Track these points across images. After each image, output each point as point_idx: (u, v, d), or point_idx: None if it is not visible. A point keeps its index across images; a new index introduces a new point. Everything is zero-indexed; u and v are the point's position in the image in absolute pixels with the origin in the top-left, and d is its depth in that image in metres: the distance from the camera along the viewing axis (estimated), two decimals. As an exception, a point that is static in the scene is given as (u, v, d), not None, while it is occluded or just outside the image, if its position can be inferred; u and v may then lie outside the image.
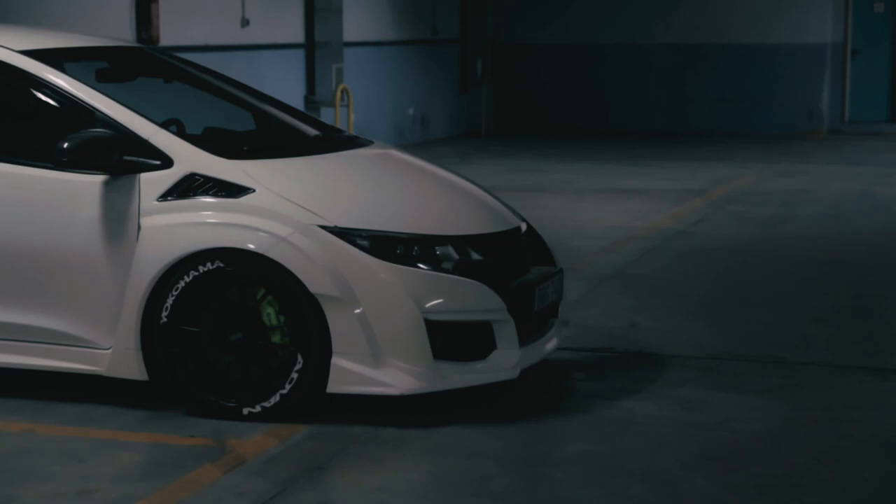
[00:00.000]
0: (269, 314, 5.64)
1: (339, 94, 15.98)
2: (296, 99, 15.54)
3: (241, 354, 5.69)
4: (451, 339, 5.67)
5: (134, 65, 7.13)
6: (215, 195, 5.75)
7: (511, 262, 6.06)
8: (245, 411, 5.64)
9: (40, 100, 6.13)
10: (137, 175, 5.81)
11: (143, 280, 5.68)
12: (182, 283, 5.65)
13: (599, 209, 12.70)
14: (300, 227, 5.62)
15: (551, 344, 6.23)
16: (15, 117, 6.50)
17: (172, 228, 5.71)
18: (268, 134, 6.99)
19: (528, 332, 5.99)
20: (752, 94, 21.08)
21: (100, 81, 6.68)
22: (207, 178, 5.78)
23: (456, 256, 5.79)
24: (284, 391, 5.59)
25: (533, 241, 6.45)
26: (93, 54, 6.87)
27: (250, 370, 5.69)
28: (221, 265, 5.64)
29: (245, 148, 6.18)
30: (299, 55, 16.20)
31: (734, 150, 18.43)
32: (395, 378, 5.57)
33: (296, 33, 16.13)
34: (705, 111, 21.28)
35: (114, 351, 5.78)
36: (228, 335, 5.69)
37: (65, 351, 5.87)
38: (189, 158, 5.82)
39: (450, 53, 20.47)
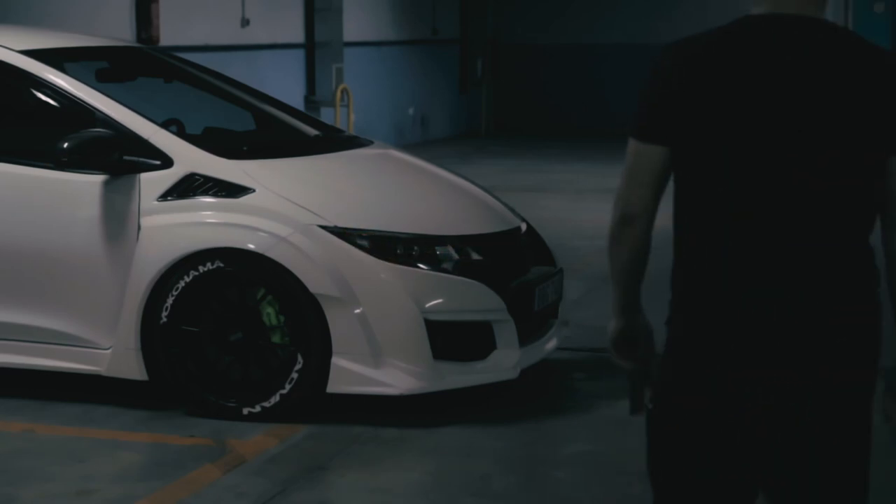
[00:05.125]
0: (269, 314, 5.64)
1: (339, 94, 15.98)
2: (296, 99, 15.53)
3: (241, 354, 5.69)
4: (450, 339, 5.67)
5: (134, 65, 7.13)
6: (215, 195, 5.75)
7: (511, 262, 6.06)
8: (245, 411, 5.64)
9: (40, 100, 6.13)
10: (137, 175, 5.81)
11: (143, 280, 5.68)
12: (182, 283, 5.65)
13: (599, 209, 12.66)
14: (300, 227, 5.62)
15: (551, 344, 6.23)
16: (15, 117, 6.51)
17: (172, 228, 5.71)
18: (268, 134, 7.00)
19: (528, 332, 5.99)
20: (752, 94, 21.05)
21: (100, 81, 6.68)
22: (207, 178, 5.78)
23: (456, 256, 5.79)
24: (284, 391, 5.59)
25: (533, 241, 6.45)
26: (93, 54, 6.87)
27: (250, 370, 5.69)
28: (221, 265, 5.64)
29: (245, 148, 6.18)
30: (299, 55, 16.20)
31: (734, 150, 18.40)
32: (395, 378, 5.57)
33: (296, 33, 16.13)
34: (705, 111, 21.25)
35: (114, 351, 5.77)
36: (228, 335, 5.69)
37: (65, 351, 5.86)
38: (189, 158, 5.82)
39: (450, 53, 20.47)
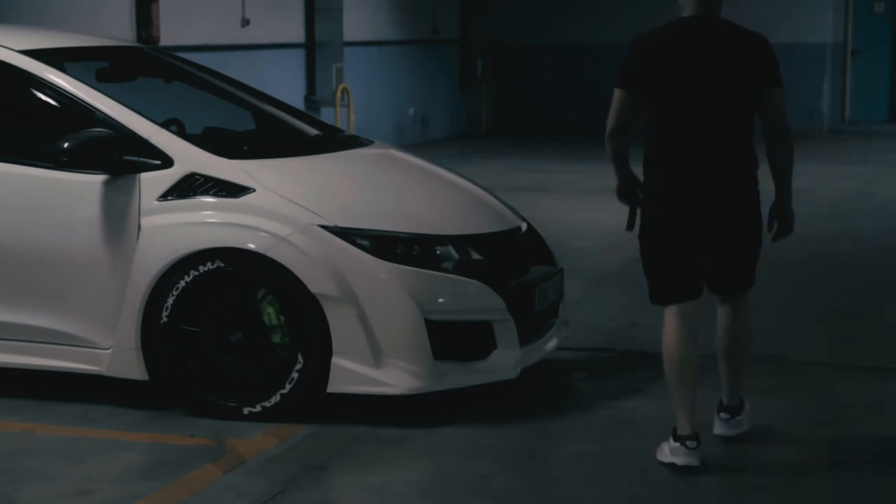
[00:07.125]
0: (270, 314, 5.64)
1: (339, 93, 15.98)
2: (296, 99, 15.54)
3: (241, 354, 5.69)
4: (451, 339, 5.67)
5: (134, 65, 7.13)
6: (215, 195, 5.76)
7: (511, 262, 6.06)
8: (245, 411, 5.64)
9: (40, 100, 6.13)
10: (137, 175, 5.81)
11: (143, 280, 5.68)
12: (182, 283, 5.65)
13: (599, 209, 12.67)
14: (300, 226, 5.62)
15: (551, 344, 6.23)
16: (15, 117, 6.50)
17: (172, 228, 5.71)
18: (268, 134, 7.00)
19: (529, 332, 5.99)
20: (752, 94, 21.04)
21: (100, 81, 6.68)
22: (207, 178, 5.78)
23: (456, 256, 5.79)
24: (285, 391, 5.59)
25: (533, 241, 6.46)
26: (93, 54, 6.87)
27: (250, 370, 5.69)
28: (221, 265, 5.64)
29: (245, 148, 6.18)
30: (299, 55, 16.20)
31: (734, 150, 18.37)
32: (395, 378, 5.57)
33: (296, 33, 16.13)
34: (705, 111, 21.24)
35: (114, 351, 5.78)
36: (228, 335, 5.69)
37: (65, 351, 5.87)
38: (189, 158, 5.83)
39: (450, 53, 20.47)
